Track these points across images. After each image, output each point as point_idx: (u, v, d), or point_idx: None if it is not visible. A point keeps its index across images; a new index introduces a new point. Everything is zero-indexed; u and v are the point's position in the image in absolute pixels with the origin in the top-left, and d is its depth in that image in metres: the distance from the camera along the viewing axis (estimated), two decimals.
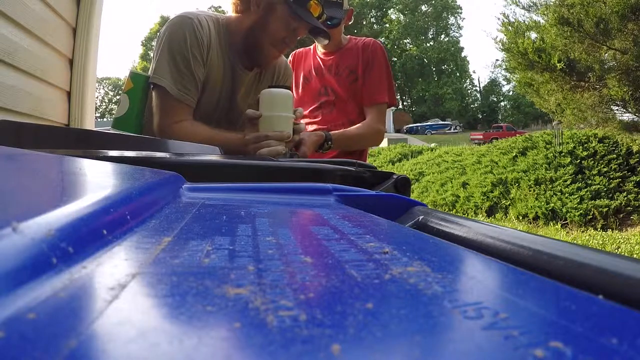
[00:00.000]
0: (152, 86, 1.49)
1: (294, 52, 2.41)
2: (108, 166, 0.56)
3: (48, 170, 0.49)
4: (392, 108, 2.42)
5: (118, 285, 0.19)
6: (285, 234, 0.33)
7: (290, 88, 1.82)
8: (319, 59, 2.31)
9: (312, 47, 2.39)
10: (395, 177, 0.83)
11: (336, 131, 2.02)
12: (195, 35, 1.46)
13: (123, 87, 1.54)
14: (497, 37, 7.64)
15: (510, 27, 7.59)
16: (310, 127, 2.18)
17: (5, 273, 0.17)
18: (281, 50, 1.57)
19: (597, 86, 6.93)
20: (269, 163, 0.92)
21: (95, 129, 1.41)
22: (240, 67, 1.59)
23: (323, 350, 0.14)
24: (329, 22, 1.97)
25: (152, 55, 1.62)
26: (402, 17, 44.31)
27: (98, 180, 0.47)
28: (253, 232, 0.33)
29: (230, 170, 0.84)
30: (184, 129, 1.46)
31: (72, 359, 0.13)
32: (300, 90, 2.36)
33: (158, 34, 1.56)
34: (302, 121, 1.79)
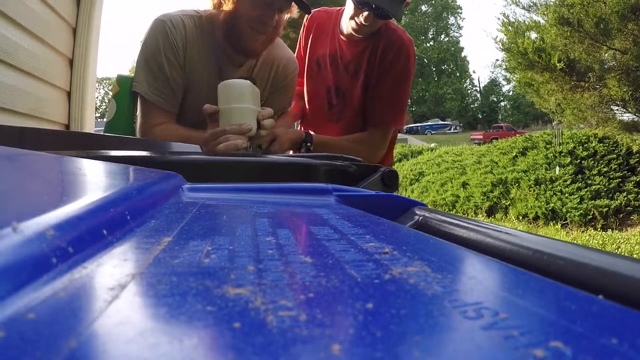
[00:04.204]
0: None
1: (311, 13, 1.76)
2: (108, 166, 0.56)
3: (48, 170, 0.49)
4: None
5: (118, 286, 0.19)
6: (285, 234, 0.33)
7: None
8: (339, 43, 1.81)
9: (338, 12, 1.83)
10: (381, 170, 0.82)
11: (323, 137, 1.75)
12: (167, 38, 1.44)
13: (112, 91, 1.54)
14: (497, 37, 7.67)
15: (510, 27, 7.60)
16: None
17: (5, 273, 0.17)
18: (263, 32, 1.44)
19: (597, 86, 6.94)
20: (253, 159, 0.91)
21: (92, 132, 1.41)
22: (226, 64, 1.55)
23: (323, 350, 0.14)
24: (376, 13, 1.62)
25: None
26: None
27: (98, 180, 0.47)
28: (253, 232, 0.33)
29: (211, 167, 0.82)
30: (160, 131, 1.45)
31: (72, 359, 0.13)
32: (306, 75, 1.90)
33: None
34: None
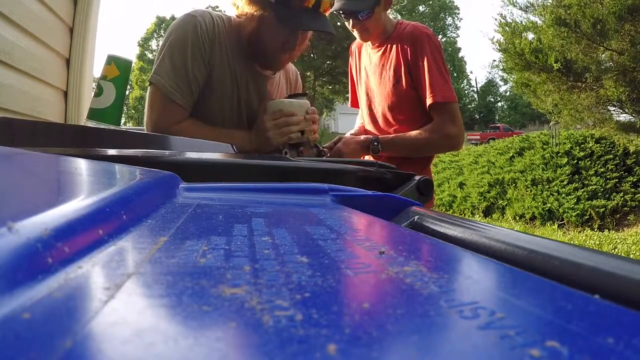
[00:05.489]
0: (149, 84, 1.45)
1: (353, 43, 2.08)
2: (104, 166, 0.56)
3: (43, 170, 0.49)
4: None
5: (114, 285, 0.19)
6: (281, 233, 0.33)
7: (306, 94, 1.79)
8: (369, 53, 1.96)
9: None
10: (417, 178, 0.81)
11: (388, 136, 1.83)
12: (197, 34, 1.41)
13: (104, 73, 1.38)
14: (494, 37, 7.67)
15: (507, 28, 7.61)
16: None
17: (0, 273, 0.17)
18: (289, 53, 1.47)
19: (594, 87, 6.96)
20: (282, 163, 0.89)
21: (92, 126, 1.35)
22: (258, 72, 1.54)
23: (319, 350, 0.14)
24: (358, 16, 1.78)
25: (149, 55, 1.58)
26: (399, 17, 44.30)
27: (94, 179, 0.47)
28: (249, 232, 0.33)
29: (238, 170, 0.81)
30: (186, 129, 1.42)
31: (68, 359, 0.13)
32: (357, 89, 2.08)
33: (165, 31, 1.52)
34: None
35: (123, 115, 1.56)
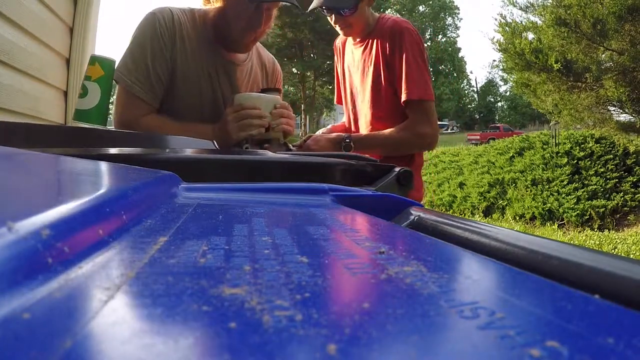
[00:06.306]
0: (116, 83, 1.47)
1: (337, 39, 2.04)
2: (104, 166, 0.56)
3: (43, 170, 0.49)
4: None
5: (114, 286, 0.19)
6: (281, 234, 0.33)
7: (279, 89, 1.75)
8: (352, 49, 1.91)
9: None
10: (396, 170, 0.82)
11: (362, 133, 1.81)
12: (155, 30, 1.43)
13: (88, 73, 1.37)
14: (494, 37, 7.67)
15: (507, 28, 7.62)
16: None
17: (0, 273, 0.17)
18: (254, 32, 1.47)
19: (594, 87, 6.96)
20: (265, 157, 0.89)
21: (91, 127, 1.35)
22: (227, 63, 1.55)
23: (319, 351, 0.14)
24: (341, 12, 1.72)
25: None
26: (399, 17, 44.18)
27: (94, 179, 0.47)
28: (249, 232, 0.33)
29: (224, 166, 0.82)
30: (148, 122, 1.44)
31: (68, 359, 0.13)
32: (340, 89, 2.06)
33: None
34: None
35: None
